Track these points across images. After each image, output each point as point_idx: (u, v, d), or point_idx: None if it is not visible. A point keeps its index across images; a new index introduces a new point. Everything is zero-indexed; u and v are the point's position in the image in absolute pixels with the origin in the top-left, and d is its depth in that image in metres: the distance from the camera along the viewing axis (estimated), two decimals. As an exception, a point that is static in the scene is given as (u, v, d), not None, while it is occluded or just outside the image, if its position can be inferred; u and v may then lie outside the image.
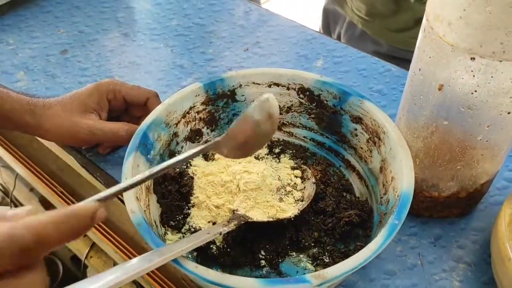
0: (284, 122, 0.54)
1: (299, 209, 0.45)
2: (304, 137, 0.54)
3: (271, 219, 0.44)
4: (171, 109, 0.48)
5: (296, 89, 0.52)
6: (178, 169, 0.48)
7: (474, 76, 0.36)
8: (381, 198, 0.45)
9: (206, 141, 0.53)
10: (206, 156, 0.51)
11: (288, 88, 0.52)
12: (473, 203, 0.49)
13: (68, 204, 1.01)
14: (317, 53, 0.71)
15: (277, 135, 0.55)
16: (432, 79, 0.39)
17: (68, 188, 0.97)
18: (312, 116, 0.53)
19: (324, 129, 0.53)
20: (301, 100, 0.52)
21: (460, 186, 0.46)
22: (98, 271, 1.17)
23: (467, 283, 0.45)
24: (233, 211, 0.44)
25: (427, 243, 0.48)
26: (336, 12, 0.93)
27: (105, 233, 0.91)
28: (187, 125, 0.51)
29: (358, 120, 0.49)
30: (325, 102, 0.51)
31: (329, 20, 0.98)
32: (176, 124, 0.50)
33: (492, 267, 0.43)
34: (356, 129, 0.49)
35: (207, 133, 0.53)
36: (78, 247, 1.17)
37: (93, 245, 1.15)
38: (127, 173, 0.42)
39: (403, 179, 0.41)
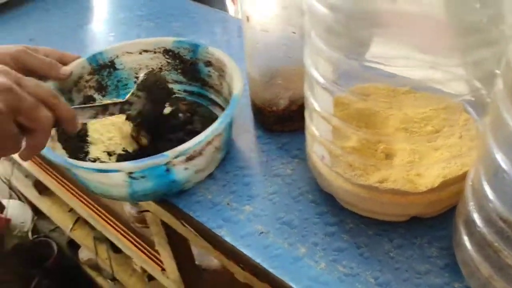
0: None
1: None
2: (179, 90, 0.66)
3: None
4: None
5: (161, 52, 0.63)
6: None
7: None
8: None
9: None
10: None
11: (155, 52, 0.64)
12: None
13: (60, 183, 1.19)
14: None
15: None
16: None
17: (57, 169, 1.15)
18: (179, 71, 0.65)
19: (190, 79, 0.65)
20: (167, 60, 0.64)
21: (290, 100, 0.61)
22: (82, 243, 1.34)
23: (296, 171, 0.60)
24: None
25: (275, 148, 0.62)
26: None
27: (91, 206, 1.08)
28: (80, 92, 0.63)
29: (208, 63, 0.61)
30: (184, 57, 0.63)
31: None
32: (70, 91, 0.61)
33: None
34: (209, 71, 0.62)
35: (100, 98, 0.65)
36: (64, 222, 1.35)
37: (77, 220, 1.33)
38: None
39: (235, 91, 0.54)
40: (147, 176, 0.50)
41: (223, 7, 1.29)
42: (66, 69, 0.59)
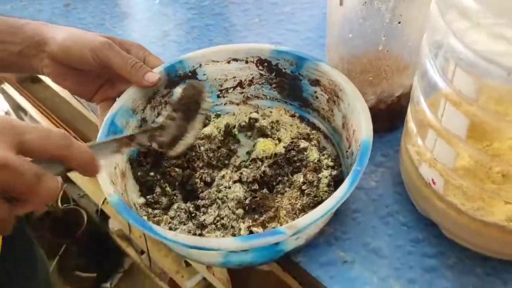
0: (248, 95, 0.58)
1: None
2: (269, 107, 0.58)
3: None
4: (135, 96, 0.51)
5: (255, 62, 0.54)
6: None
7: (362, -12, 0.42)
8: (346, 152, 0.49)
9: None
10: None
11: (246, 62, 0.55)
12: (397, 117, 0.55)
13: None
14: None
15: (243, 109, 0.58)
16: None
17: (82, 136, 1.09)
18: (274, 85, 0.56)
19: (287, 96, 0.56)
20: (260, 72, 0.55)
21: (378, 99, 0.52)
22: (116, 218, 1.29)
23: (382, 183, 0.52)
24: None
25: (356, 152, 0.54)
26: None
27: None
28: (154, 109, 0.54)
29: (316, 82, 0.52)
30: (283, 70, 0.54)
31: None
32: (143, 110, 0.52)
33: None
34: (315, 92, 0.53)
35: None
36: (96, 193, 1.30)
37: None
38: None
39: (362, 130, 0.45)
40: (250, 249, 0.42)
41: None
42: (153, 76, 0.50)
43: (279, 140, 0.54)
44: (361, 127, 0.45)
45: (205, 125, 0.55)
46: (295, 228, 0.38)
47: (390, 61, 0.48)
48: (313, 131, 0.55)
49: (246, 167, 0.51)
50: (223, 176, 0.49)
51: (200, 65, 0.54)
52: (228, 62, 0.55)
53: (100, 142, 0.41)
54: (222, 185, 0.49)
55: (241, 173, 0.49)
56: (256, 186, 0.49)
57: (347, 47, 0.49)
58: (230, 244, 0.38)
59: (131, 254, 1.39)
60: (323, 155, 0.52)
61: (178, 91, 0.48)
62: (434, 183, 0.42)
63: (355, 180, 0.40)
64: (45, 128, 0.34)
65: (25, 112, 1.45)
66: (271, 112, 0.56)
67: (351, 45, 0.48)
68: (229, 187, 0.48)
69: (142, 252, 1.36)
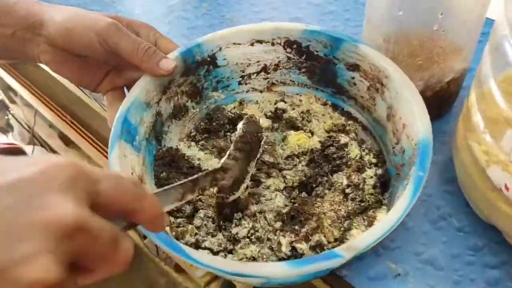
0: (273, 81, 0.51)
1: None
2: (297, 94, 0.51)
3: None
4: (149, 86, 0.44)
5: (282, 44, 0.47)
6: None
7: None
8: (393, 148, 0.43)
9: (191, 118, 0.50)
10: None
11: (273, 44, 0.48)
12: (445, 104, 0.49)
13: (84, 138, 1.08)
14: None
15: (267, 96, 0.51)
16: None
17: (81, 121, 1.02)
18: (303, 70, 0.49)
19: (318, 82, 0.49)
20: (288, 55, 0.48)
21: (425, 85, 0.45)
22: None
23: (429, 181, 0.46)
24: None
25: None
26: None
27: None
28: (170, 101, 0.47)
29: (354, 67, 0.45)
30: (315, 53, 0.47)
31: None
32: (158, 103, 0.46)
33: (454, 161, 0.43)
34: (353, 78, 0.46)
35: (192, 106, 0.49)
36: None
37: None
38: (114, 165, 0.38)
39: (417, 125, 0.39)
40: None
41: None
42: (169, 63, 0.43)
43: (311, 132, 0.48)
44: (415, 121, 0.39)
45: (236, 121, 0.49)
46: (355, 251, 0.32)
47: (445, 42, 0.41)
48: (349, 122, 0.48)
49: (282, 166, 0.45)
50: (268, 187, 0.43)
51: (220, 49, 0.47)
52: (252, 45, 0.47)
53: (164, 189, 0.34)
54: (264, 196, 0.42)
55: (285, 177, 0.43)
56: (296, 191, 0.43)
57: (394, 26, 0.42)
58: (279, 271, 0.32)
59: (134, 238, 1.34)
60: (363, 150, 0.45)
61: (240, 127, 0.42)
62: (507, 188, 0.36)
63: (419, 187, 0.35)
64: (117, 175, 0.27)
65: (15, 92, 1.36)
66: (300, 101, 0.49)
67: (399, 24, 0.41)
68: (271, 199, 0.42)
69: (145, 237, 1.31)
